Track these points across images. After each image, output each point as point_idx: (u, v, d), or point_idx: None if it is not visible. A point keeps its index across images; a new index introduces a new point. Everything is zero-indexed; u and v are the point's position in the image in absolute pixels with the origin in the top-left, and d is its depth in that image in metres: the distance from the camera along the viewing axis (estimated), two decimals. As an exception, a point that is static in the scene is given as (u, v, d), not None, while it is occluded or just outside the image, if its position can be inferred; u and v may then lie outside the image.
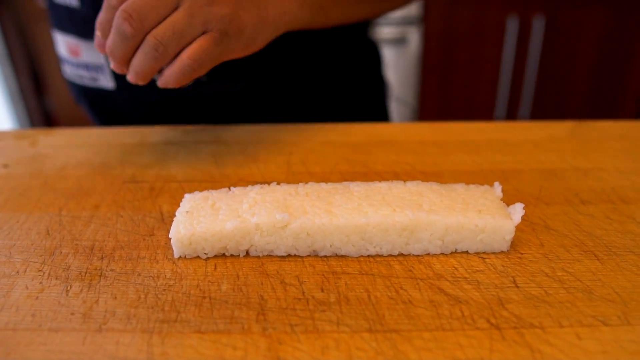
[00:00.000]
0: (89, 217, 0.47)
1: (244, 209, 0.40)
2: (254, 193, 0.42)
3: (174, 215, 0.43)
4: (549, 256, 0.40)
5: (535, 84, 1.98)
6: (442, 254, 0.40)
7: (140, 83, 0.48)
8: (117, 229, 0.45)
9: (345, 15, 0.60)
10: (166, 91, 0.55)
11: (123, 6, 0.44)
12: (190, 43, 0.46)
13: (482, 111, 2.06)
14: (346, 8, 0.60)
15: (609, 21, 1.81)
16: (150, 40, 0.45)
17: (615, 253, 0.40)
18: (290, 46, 0.67)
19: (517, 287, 0.37)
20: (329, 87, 0.76)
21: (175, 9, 0.45)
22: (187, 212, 0.42)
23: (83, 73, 0.70)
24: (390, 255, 0.40)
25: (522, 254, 0.40)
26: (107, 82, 0.69)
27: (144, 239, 0.43)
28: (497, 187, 0.43)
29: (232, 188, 0.44)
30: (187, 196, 0.44)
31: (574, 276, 0.38)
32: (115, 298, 0.37)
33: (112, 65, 0.48)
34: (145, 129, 0.65)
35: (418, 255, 0.40)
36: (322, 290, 0.37)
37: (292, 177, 0.52)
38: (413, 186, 0.43)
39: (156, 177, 0.53)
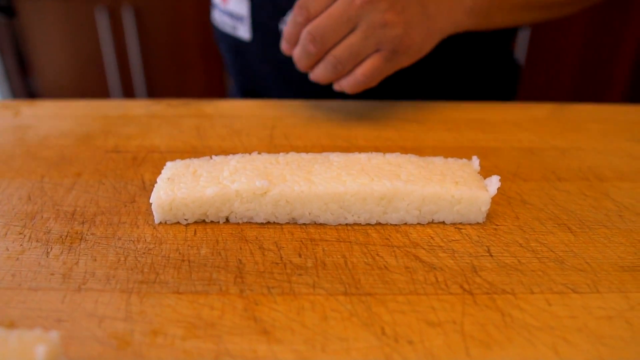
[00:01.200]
0: (70, 184, 0.47)
1: (225, 176, 0.41)
2: (234, 161, 0.43)
3: (154, 184, 0.43)
4: (524, 228, 0.41)
5: (524, 69, 1.99)
6: (419, 224, 0.41)
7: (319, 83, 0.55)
8: (98, 196, 0.45)
9: (509, 21, 0.63)
10: None
11: (309, 28, 0.50)
12: (364, 60, 0.52)
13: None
14: (511, 15, 0.62)
15: (595, 13, 1.82)
16: (330, 59, 0.52)
17: (588, 226, 0.41)
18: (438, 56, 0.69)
19: (491, 256, 0.37)
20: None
21: (352, 30, 0.50)
22: (168, 178, 0.42)
23: (227, 20, 0.78)
24: (368, 224, 0.41)
25: (497, 225, 0.41)
26: (244, 33, 0.76)
27: (125, 206, 0.44)
28: (475, 161, 0.44)
29: (213, 156, 0.44)
30: (168, 164, 0.44)
31: (547, 247, 0.38)
32: (95, 260, 0.37)
33: (297, 67, 0.55)
34: (129, 102, 0.65)
35: (395, 225, 0.41)
36: (300, 255, 0.37)
37: (274, 150, 0.52)
38: (392, 157, 0.43)
39: (139, 148, 0.53)
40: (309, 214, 0.40)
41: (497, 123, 0.59)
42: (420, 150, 0.52)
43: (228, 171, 0.41)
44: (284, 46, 0.56)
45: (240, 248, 0.38)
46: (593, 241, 0.39)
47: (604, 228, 0.41)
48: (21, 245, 0.39)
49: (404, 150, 0.52)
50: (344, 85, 0.53)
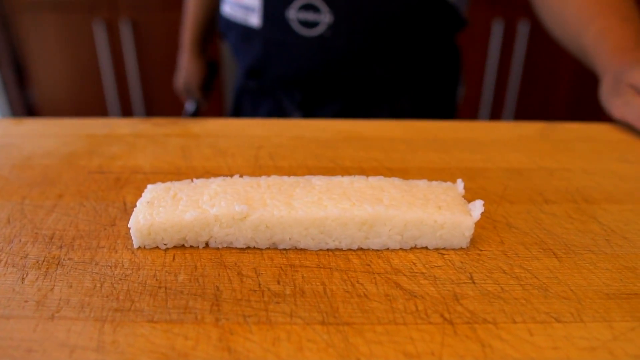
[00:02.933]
0: (51, 206, 0.46)
1: (204, 200, 0.40)
2: (215, 185, 0.42)
3: (135, 207, 0.42)
4: (508, 253, 0.40)
5: (519, 87, 1.99)
6: (401, 249, 0.40)
7: None
8: (78, 219, 0.44)
9: None
10: (301, 36, 0.83)
11: None
12: None
13: (465, 113, 2.07)
14: None
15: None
16: None
17: (573, 251, 0.40)
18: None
19: (474, 283, 0.37)
20: (410, 79, 0.92)
21: None
22: (147, 202, 0.41)
23: (238, 11, 0.89)
24: (350, 250, 0.40)
25: (481, 250, 0.40)
26: (255, 21, 0.87)
27: (105, 229, 0.43)
28: (460, 184, 0.43)
29: (194, 180, 0.44)
30: (149, 187, 0.44)
31: (531, 273, 0.38)
32: (71, 287, 0.37)
33: None
34: (115, 120, 0.64)
35: (377, 250, 0.40)
36: (279, 282, 0.37)
37: (259, 171, 0.52)
38: (375, 181, 0.43)
39: (122, 169, 0.53)
40: (290, 239, 0.39)
41: (486, 142, 0.59)
42: (406, 172, 0.52)
43: (208, 195, 0.41)
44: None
45: (219, 274, 0.38)
46: (578, 267, 0.39)
47: (590, 253, 0.40)
48: (-4, 270, 0.38)
49: (390, 171, 0.52)
50: None
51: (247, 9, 0.87)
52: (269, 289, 0.36)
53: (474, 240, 0.41)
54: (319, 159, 0.54)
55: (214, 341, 0.32)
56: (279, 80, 0.90)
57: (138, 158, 0.55)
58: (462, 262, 0.39)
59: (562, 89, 1.97)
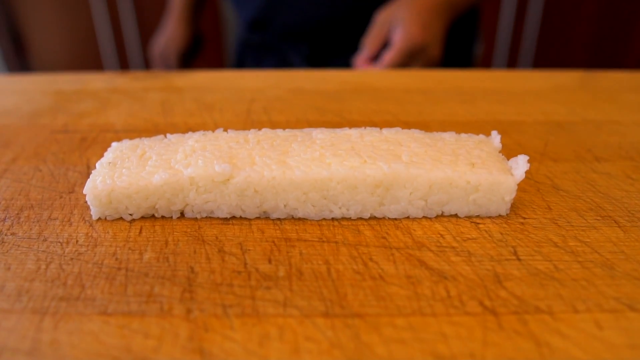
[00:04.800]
0: (2, 171, 0.39)
1: (178, 159, 0.32)
2: (192, 141, 0.34)
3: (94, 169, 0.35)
4: (559, 222, 0.32)
5: (537, 33, 1.88)
6: (425, 217, 0.32)
7: None
8: (31, 185, 0.37)
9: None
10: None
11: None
12: None
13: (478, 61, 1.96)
14: None
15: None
16: None
17: (638, 219, 0.32)
18: None
19: (519, 259, 0.29)
20: None
21: None
22: (109, 163, 0.33)
23: None
24: (360, 219, 0.32)
25: (524, 218, 0.32)
26: None
27: (61, 197, 0.35)
28: (495, 137, 0.35)
29: (168, 135, 0.36)
30: (114, 144, 0.36)
31: (591, 247, 0.30)
32: (9, 269, 0.29)
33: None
34: (89, 75, 0.56)
35: (395, 219, 0.32)
36: (270, 261, 0.29)
37: (251, 127, 0.43)
38: (390, 134, 0.34)
39: (91, 127, 0.45)
40: (285, 206, 0.31)
41: (517, 93, 0.50)
42: (426, 126, 0.44)
43: (183, 153, 0.33)
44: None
45: (195, 251, 0.30)
46: (648, 238, 0.30)
47: (661, 221, 0.32)
48: None
49: (407, 125, 0.44)
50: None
51: None
52: (257, 270, 0.28)
53: (514, 206, 0.33)
54: (322, 113, 0.46)
55: (183, 340, 0.24)
56: (284, 32, 0.82)
57: (110, 115, 0.47)
58: (502, 234, 0.31)
59: (582, 36, 1.85)
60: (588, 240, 0.30)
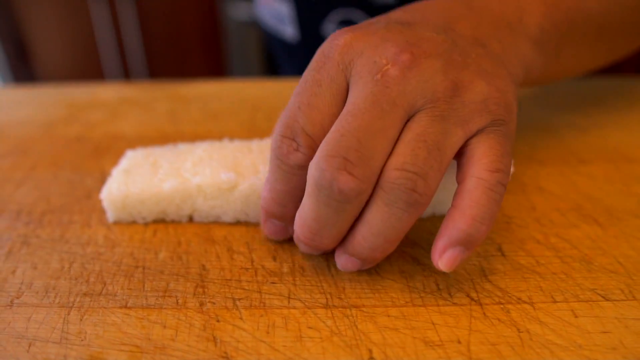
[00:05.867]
0: (22, 178, 0.41)
1: (187, 167, 0.35)
2: (200, 150, 0.37)
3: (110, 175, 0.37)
4: (542, 221, 0.34)
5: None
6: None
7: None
8: (50, 192, 0.39)
9: (581, 59, 0.43)
10: None
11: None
12: None
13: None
14: (583, 48, 0.41)
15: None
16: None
17: (617, 217, 0.35)
18: None
19: (504, 255, 0.31)
20: None
21: None
22: (124, 170, 0.36)
23: (270, 18, 0.76)
24: (358, 220, 0.34)
25: (510, 217, 0.35)
26: (289, 33, 0.73)
27: (79, 202, 0.38)
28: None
29: (179, 144, 0.38)
30: (128, 152, 0.38)
31: (571, 243, 0.32)
32: (36, 268, 0.32)
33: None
34: (98, 85, 0.59)
35: (390, 220, 0.34)
36: (275, 259, 0.31)
37: (255, 135, 0.46)
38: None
39: (103, 136, 0.47)
40: (287, 209, 0.34)
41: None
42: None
43: (192, 162, 0.35)
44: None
45: (206, 251, 0.32)
46: (625, 235, 0.33)
47: (636, 219, 0.34)
48: (-47, 251, 0.33)
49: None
50: None
51: (279, 18, 0.75)
52: (263, 267, 0.31)
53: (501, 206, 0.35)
54: (322, 121, 0.48)
55: (197, 330, 0.27)
56: None
57: (121, 124, 0.49)
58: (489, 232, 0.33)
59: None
60: (568, 237, 0.33)
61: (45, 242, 0.34)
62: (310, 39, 0.73)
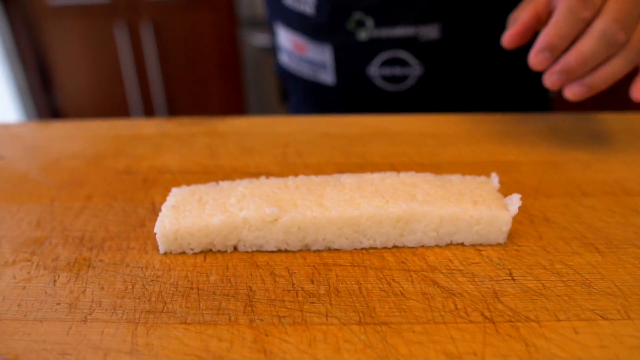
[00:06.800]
0: (80, 208, 0.46)
1: (232, 203, 0.39)
2: (242, 187, 0.41)
3: (160, 211, 0.42)
4: (548, 249, 0.39)
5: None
6: (437, 245, 0.39)
7: (589, 95, 0.48)
8: (108, 220, 0.44)
9: None
10: (386, 91, 0.73)
11: (615, 16, 0.43)
12: None
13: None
14: None
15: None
16: (635, 45, 0.46)
17: (616, 246, 0.39)
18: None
19: (514, 279, 0.36)
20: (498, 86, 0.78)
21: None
22: (173, 206, 0.41)
23: (305, 66, 0.79)
24: (384, 248, 0.39)
25: (519, 246, 0.39)
26: (327, 78, 0.77)
27: (135, 230, 0.43)
28: (494, 178, 0.42)
29: (220, 182, 0.43)
30: (173, 190, 0.43)
31: (573, 269, 0.36)
32: (103, 288, 0.36)
33: (576, 72, 0.46)
34: (141, 120, 0.64)
35: (412, 248, 0.39)
36: (312, 282, 0.36)
37: (287, 169, 0.51)
38: (407, 177, 0.42)
39: (150, 169, 0.52)
40: (323, 239, 0.38)
41: (518, 135, 0.57)
42: (437, 166, 0.51)
43: (235, 198, 0.40)
44: (543, 56, 0.47)
45: (251, 274, 0.37)
46: (622, 262, 0.37)
47: (633, 247, 0.39)
48: (28, 273, 0.38)
49: (421, 166, 0.51)
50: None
51: (317, 65, 0.78)
52: (302, 289, 0.35)
53: (511, 236, 0.40)
54: (348, 155, 0.53)
55: (249, 343, 0.31)
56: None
57: (165, 158, 0.54)
58: (500, 258, 0.38)
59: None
60: (571, 263, 0.37)
61: (109, 266, 0.38)
62: (351, 82, 0.76)
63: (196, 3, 2.07)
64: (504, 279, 0.36)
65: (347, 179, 0.41)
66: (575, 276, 0.36)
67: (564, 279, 0.35)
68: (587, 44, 0.44)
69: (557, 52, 0.46)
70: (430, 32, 0.68)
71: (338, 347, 0.30)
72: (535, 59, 0.46)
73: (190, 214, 0.39)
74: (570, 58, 0.45)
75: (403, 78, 0.72)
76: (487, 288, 0.35)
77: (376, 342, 0.31)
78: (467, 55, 0.71)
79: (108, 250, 0.40)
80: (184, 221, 0.39)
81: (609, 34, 0.43)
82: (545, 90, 0.81)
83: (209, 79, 2.24)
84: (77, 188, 0.49)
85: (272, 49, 0.91)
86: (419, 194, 0.39)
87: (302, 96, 0.87)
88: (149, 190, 0.48)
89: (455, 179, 0.42)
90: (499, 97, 0.75)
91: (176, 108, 2.27)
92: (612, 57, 0.45)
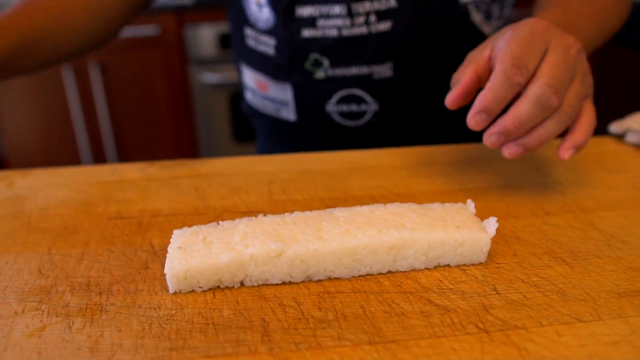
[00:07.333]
0: (79, 254, 0.48)
1: (236, 241, 0.42)
2: (243, 225, 0.44)
3: (166, 248, 0.44)
4: (523, 264, 0.43)
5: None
6: (427, 268, 0.43)
7: (525, 154, 0.50)
8: (110, 264, 0.46)
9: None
10: (345, 127, 0.78)
11: (547, 81, 0.46)
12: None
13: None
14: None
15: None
16: (566, 110, 0.48)
17: (581, 257, 0.44)
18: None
19: (498, 293, 0.40)
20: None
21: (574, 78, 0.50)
22: (179, 247, 0.43)
23: (267, 104, 0.84)
24: (379, 274, 0.43)
25: (498, 263, 0.44)
26: (288, 115, 0.82)
27: (139, 273, 0.45)
28: (470, 204, 0.47)
29: (220, 222, 0.46)
30: (176, 232, 0.45)
31: (548, 280, 0.41)
32: (120, 330, 0.38)
33: (513, 134, 0.48)
34: (122, 165, 0.66)
35: (405, 272, 0.43)
36: (320, 309, 0.39)
37: (275, 206, 0.54)
38: (393, 207, 0.46)
39: (142, 212, 0.54)
40: (324, 270, 0.42)
41: (480, 163, 0.63)
42: (413, 196, 0.55)
43: (239, 236, 0.43)
44: (480, 118, 0.48)
45: (261, 307, 0.40)
46: (588, 271, 0.42)
47: (595, 258, 0.44)
48: (41, 321, 0.39)
49: (399, 197, 0.55)
50: (580, 140, 0.50)
51: (279, 103, 0.82)
52: (312, 316, 0.38)
53: (490, 255, 0.44)
54: (330, 190, 0.57)
55: (273, 369, 0.34)
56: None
57: (154, 201, 0.56)
58: (483, 276, 0.42)
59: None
60: (545, 276, 0.42)
61: (121, 309, 0.40)
62: (310, 118, 0.81)
63: (145, 42, 2.08)
64: (490, 294, 0.40)
65: (340, 212, 0.45)
66: (550, 286, 0.41)
67: (541, 290, 0.40)
68: (523, 108, 0.47)
69: (494, 114, 0.48)
70: (383, 70, 0.74)
71: (355, 366, 0.34)
72: (472, 120, 0.48)
73: (198, 253, 0.42)
74: (508, 121, 0.47)
75: (360, 114, 0.78)
76: (477, 302, 0.39)
77: (388, 358, 0.34)
78: (420, 91, 0.77)
79: (117, 293, 0.42)
80: (192, 261, 0.41)
81: (543, 99, 0.46)
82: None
83: (160, 118, 2.24)
84: (72, 235, 0.51)
85: (224, 86, 0.95)
86: (407, 223, 0.43)
87: (266, 132, 0.92)
88: (145, 233, 0.50)
89: (436, 206, 0.46)
90: (452, 128, 0.81)
91: (127, 150, 2.26)
92: (546, 119, 0.48)
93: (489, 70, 0.50)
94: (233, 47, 0.91)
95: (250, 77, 0.86)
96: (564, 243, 0.46)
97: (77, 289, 0.43)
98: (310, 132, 0.83)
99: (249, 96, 0.90)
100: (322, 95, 0.78)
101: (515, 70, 0.46)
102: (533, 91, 0.46)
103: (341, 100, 0.77)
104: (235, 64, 0.93)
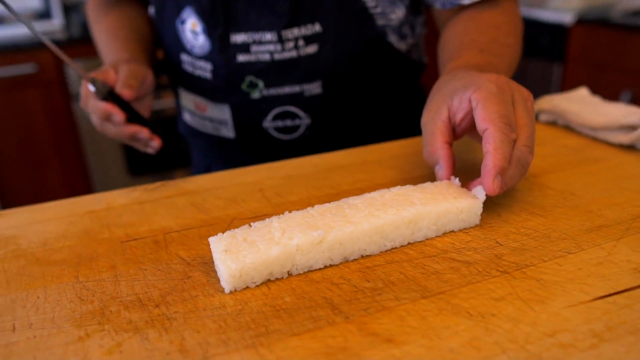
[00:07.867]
0: (112, 277, 0.48)
1: (278, 236, 0.47)
2: (276, 223, 0.49)
3: (197, 258, 0.49)
4: (508, 221, 0.54)
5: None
6: (437, 236, 0.52)
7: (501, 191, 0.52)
8: (151, 280, 0.48)
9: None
10: (281, 140, 0.86)
11: (525, 142, 0.52)
12: None
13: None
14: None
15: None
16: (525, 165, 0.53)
17: (548, 210, 0.55)
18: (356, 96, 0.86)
19: (501, 245, 0.49)
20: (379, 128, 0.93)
21: None
22: (225, 251, 0.46)
23: (207, 124, 0.91)
24: (402, 246, 0.50)
25: (490, 224, 0.53)
26: (228, 133, 0.89)
27: (184, 282, 0.47)
28: (455, 179, 0.56)
29: (252, 224, 0.50)
30: (211, 239, 0.48)
31: (532, 229, 0.52)
32: (199, 332, 0.41)
33: (497, 188, 0.51)
34: (102, 194, 0.67)
35: (421, 241, 0.51)
36: (368, 281, 0.46)
37: (278, 208, 0.60)
38: (397, 190, 0.54)
39: (152, 232, 0.56)
40: (358, 249, 0.48)
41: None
42: (396, 184, 0.63)
43: (278, 231, 0.48)
44: (498, 180, 0.51)
45: (317, 288, 0.45)
46: (558, 218, 0.54)
47: (558, 208, 0.55)
48: (112, 339, 0.41)
49: (384, 186, 0.63)
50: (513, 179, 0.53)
51: (218, 122, 0.88)
52: (365, 287, 0.45)
53: (481, 218, 0.54)
54: (320, 189, 0.63)
55: (357, 332, 0.40)
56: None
57: (158, 221, 0.59)
58: (484, 234, 0.51)
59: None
60: (529, 226, 0.52)
61: (187, 314, 0.43)
62: (249, 135, 0.88)
63: (23, 81, 1.98)
64: (495, 246, 0.49)
65: (355, 200, 0.52)
66: (537, 233, 0.51)
67: (531, 237, 0.50)
68: (510, 172, 0.52)
69: (505, 172, 0.51)
70: (313, 88, 0.83)
71: (422, 315, 0.41)
72: (493, 184, 0.50)
73: (247, 252, 0.46)
74: (499, 183, 0.51)
75: (294, 128, 0.86)
76: (489, 254, 0.48)
77: (444, 305, 0.42)
78: (347, 104, 0.87)
79: (174, 303, 0.45)
80: (245, 259, 0.45)
81: (522, 159, 0.52)
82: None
83: (46, 159, 2.12)
84: (92, 262, 0.51)
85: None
86: (415, 200, 0.51)
87: (206, 149, 0.98)
88: (168, 249, 0.53)
89: (429, 185, 0.55)
90: (375, 134, 0.91)
91: (11, 196, 2.11)
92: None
93: (451, 126, 0.57)
94: (168, 72, 0.94)
95: (189, 100, 0.91)
96: (531, 202, 0.57)
97: (130, 307, 0.44)
98: (248, 147, 0.90)
99: (187, 117, 0.95)
100: (259, 113, 0.85)
101: (509, 128, 0.51)
102: (514, 154, 0.52)
103: (276, 117, 0.85)
104: (172, 89, 0.96)
